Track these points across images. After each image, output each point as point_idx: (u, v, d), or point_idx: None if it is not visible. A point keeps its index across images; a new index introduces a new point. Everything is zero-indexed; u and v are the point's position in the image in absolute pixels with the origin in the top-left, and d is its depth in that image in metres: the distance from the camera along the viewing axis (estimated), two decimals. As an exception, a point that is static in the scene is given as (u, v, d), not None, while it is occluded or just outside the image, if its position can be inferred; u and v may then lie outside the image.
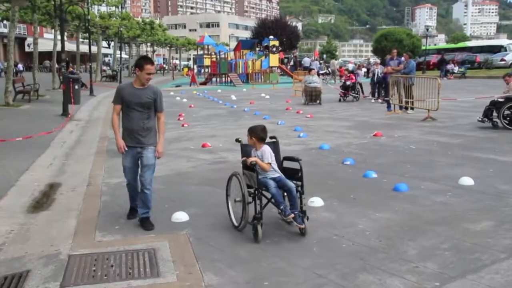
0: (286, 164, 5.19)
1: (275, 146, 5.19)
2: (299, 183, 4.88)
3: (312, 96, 18.58)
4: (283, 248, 4.52)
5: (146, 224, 5.18)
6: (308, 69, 21.03)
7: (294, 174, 4.97)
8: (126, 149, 5.20)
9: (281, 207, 4.65)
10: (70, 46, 42.90)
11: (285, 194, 4.86)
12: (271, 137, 5.26)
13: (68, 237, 4.97)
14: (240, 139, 5.31)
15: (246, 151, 5.18)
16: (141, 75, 5.05)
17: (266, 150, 4.97)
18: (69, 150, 10.24)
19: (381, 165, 7.91)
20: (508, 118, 11.44)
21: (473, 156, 8.55)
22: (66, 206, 6.11)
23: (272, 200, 4.80)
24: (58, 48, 21.03)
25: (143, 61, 5.01)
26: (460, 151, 9.04)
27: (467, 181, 6.67)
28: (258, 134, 5.03)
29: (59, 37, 18.88)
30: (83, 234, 5.05)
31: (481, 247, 4.44)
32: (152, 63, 5.08)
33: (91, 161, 8.96)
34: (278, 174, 4.91)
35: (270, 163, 4.88)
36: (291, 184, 4.79)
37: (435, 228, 4.98)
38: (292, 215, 4.60)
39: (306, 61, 46.51)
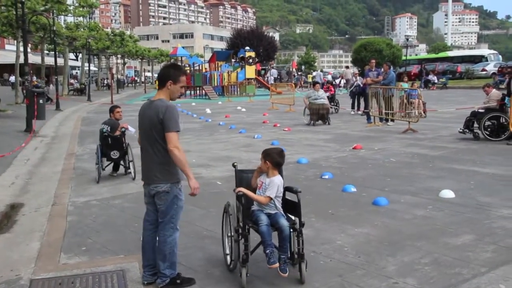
0: (289, 195, 4.52)
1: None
2: (297, 219, 4.29)
3: (319, 115, 16.04)
4: (259, 266, 4.52)
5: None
6: (313, 83, 18.52)
7: (296, 208, 4.32)
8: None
9: (267, 251, 4.07)
10: (34, 58, 42.50)
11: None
12: None
13: (30, 260, 4.89)
14: (235, 163, 4.65)
15: (242, 178, 4.59)
16: (176, 89, 4.16)
17: (275, 182, 4.31)
18: (33, 168, 10.10)
19: (361, 179, 8.02)
20: (489, 129, 11.74)
21: (454, 168, 8.74)
22: (28, 228, 6.02)
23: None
24: (22, 60, 20.77)
25: (178, 72, 4.15)
26: (441, 163, 9.23)
27: (447, 194, 6.82)
28: (274, 158, 4.34)
29: (22, 48, 18.65)
30: (47, 257, 4.98)
31: (461, 261, 4.53)
32: (186, 73, 4.34)
33: (56, 180, 8.85)
34: (276, 210, 4.30)
35: (270, 198, 4.27)
36: (283, 222, 4.17)
37: (415, 242, 5.06)
38: (277, 264, 4.04)
39: (274, 73, 46.94)
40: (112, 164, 8.93)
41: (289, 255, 4.21)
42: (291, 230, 4.24)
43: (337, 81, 34.92)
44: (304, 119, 16.73)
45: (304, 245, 4.18)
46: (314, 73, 43.96)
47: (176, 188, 4.17)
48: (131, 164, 8.70)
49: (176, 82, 4.13)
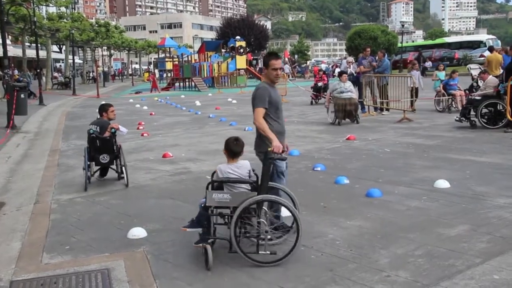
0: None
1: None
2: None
3: (346, 112, 13.69)
4: (248, 261, 4.54)
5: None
6: (339, 73, 16.07)
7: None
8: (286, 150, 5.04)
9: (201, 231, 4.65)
10: (15, 51, 42.19)
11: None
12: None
13: (10, 261, 4.88)
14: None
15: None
16: (269, 72, 5.09)
17: (220, 169, 4.77)
18: (15, 165, 10.05)
19: (354, 170, 8.06)
20: (486, 117, 11.79)
21: (450, 157, 8.80)
22: (9, 228, 6.00)
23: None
24: (1, 53, 20.59)
25: (267, 58, 5.12)
26: (436, 153, 9.28)
27: (442, 184, 6.86)
28: (227, 146, 4.79)
29: (1, 41, 18.49)
30: (29, 257, 4.97)
31: (455, 253, 4.57)
32: (278, 57, 5.14)
33: (39, 177, 8.81)
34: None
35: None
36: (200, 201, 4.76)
37: (408, 234, 5.10)
38: (200, 245, 4.58)
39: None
40: (100, 168, 8.20)
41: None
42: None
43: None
44: (328, 117, 14.51)
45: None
46: (346, 59, 41.20)
47: (267, 154, 4.76)
48: (123, 169, 7.88)
49: (267, 67, 5.09)
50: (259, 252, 4.51)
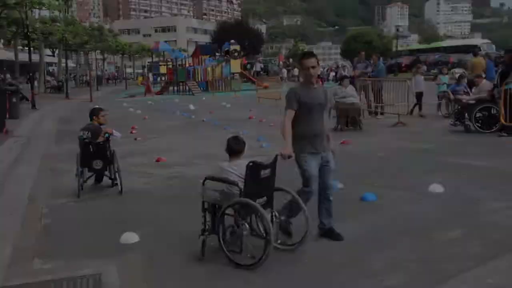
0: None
1: (251, 174, 4.66)
2: None
3: (349, 117, 13.37)
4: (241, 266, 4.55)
5: (337, 235, 5.23)
6: (340, 78, 15.61)
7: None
8: (292, 156, 4.96)
9: None
10: (8, 55, 42.10)
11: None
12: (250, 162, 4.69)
13: (1, 266, 4.85)
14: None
15: None
16: (303, 72, 5.15)
17: (220, 166, 4.98)
18: (7, 169, 10.01)
19: (348, 175, 8.02)
20: (480, 121, 11.86)
21: (445, 161, 8.84)
22: (0, 232, 5.97)
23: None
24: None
25: (300, 60, 5.17)
26: (431, 156, 9.33)
27: (437, 188, 6.88)
28: (228, 145, 4.99)
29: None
30: (20, 263, 4.95)
31: (449, 257, 4.60)
32: (311, 55, 5.05)
33: (32, 181, 8.78)
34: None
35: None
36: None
37: (402, 238, 5.13)
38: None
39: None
40: (95, 174, 8.00)
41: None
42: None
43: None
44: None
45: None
46: (341, 63, 39.80)
47: (298, 155, 5.05)
48: (117, 175, 7.66)
49: (302, 68, 5.06)
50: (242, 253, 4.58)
